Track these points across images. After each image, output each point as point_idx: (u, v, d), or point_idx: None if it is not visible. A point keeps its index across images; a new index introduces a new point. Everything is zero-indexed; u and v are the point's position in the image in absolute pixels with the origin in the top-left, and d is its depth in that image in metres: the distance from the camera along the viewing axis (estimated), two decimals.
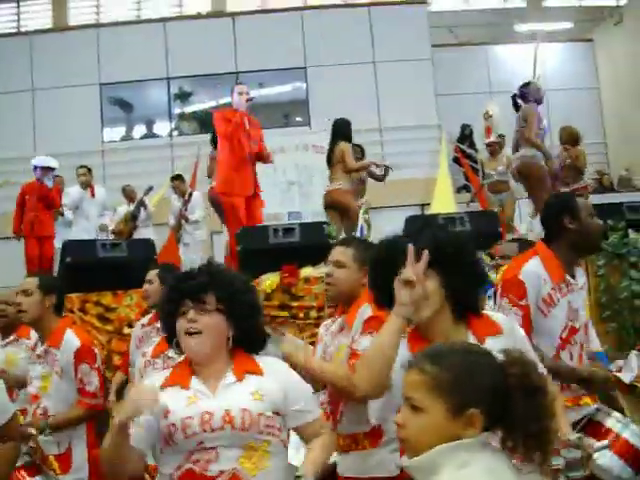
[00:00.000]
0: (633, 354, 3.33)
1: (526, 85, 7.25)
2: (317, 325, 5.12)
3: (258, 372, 2.34)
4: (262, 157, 6.72)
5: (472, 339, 2.24)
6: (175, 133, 13.00)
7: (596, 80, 14.19)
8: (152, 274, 4.35)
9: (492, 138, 9.29)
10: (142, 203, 9.39)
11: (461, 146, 12.18)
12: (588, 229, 3.14)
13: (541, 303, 3.01)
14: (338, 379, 2.78)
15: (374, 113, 12.29)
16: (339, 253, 3.17)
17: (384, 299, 2.31)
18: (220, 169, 6.71)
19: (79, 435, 3.61)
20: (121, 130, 13.19)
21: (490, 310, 2.66)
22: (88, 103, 12.24)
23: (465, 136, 12.71)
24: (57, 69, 12.05)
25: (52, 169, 8.07)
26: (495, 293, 3.19)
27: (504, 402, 1.65)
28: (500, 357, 1.76)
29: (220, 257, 7.72)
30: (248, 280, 2.56)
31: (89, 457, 3.61)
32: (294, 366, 2.68)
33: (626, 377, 2.88)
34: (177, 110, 13.26)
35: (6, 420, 2.36)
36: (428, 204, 10.28)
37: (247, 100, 6.76)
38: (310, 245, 5.67)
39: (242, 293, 2.38)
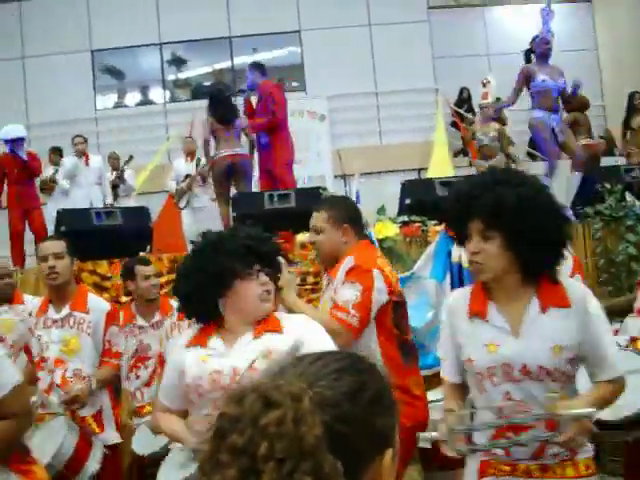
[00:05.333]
0: (628, 318, 3.37)
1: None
2: (314, 291, 5.12)
3: (278, 330, 2.31)
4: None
5: (536, 305, 2.15)
6: (169, 100, 12.84)
7: (594, 42, 13.99)
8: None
9: (488, 101, 9.15)
10: (121, 175, 9.20)
11: (458, 110, 12.05)
12: None
13: None
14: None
15: (370, 77, 12.13)
16: (314, 218, 3.17)
17: (460, 240, 2.29)
18: None
19: (105, 395, 3.72)
20: (114, 97, 13.03)
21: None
22: (80, 70, 12.05)
23: (463, 100, 12.57)
24: (47, 36, 11.84)
25: (21, 139, 7.74)
26: None
27: None
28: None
29: (216, 224, 7.64)
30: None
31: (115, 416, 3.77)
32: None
33: (621, 340, 2.90)
34: (171, 77, 13.09)
35: (4, 394, 2.17)
36: (425, 168, 10.21)
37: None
38: (306, 211, 5.60)
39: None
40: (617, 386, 2.17)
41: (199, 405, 2.28)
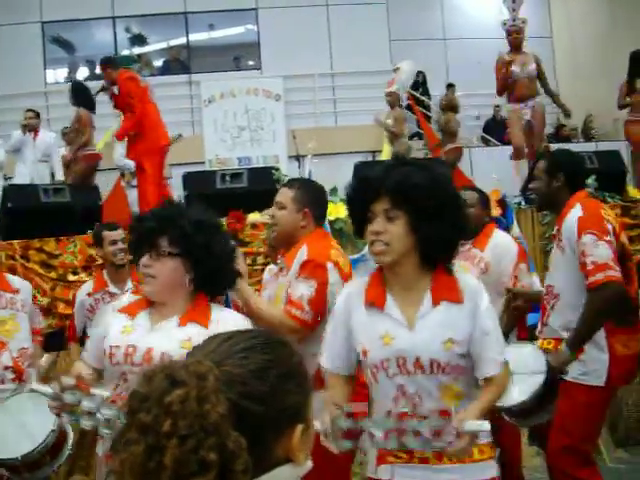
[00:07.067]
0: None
1: None
2: (264, 271, 5.11)
3: (203, 323, 2.29)
4: None
5: (429, 298, 2.15)
6: None
7: (549, 30, 14.16)
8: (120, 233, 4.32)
9: (392, 89, 9.23)
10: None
11: (414, 93, 12.10)
12: None
13: None
14: (272, 319, 2.83)
15: (326, 57, 12.07)
16: (281, 194, 3.11)
17: (358, 233, 2.25)
18: None
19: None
20: (65, 71, 12.72)
21: None
22: (30, 42, 11.69)
23: (418, 83, 12.62)
24: None
25: None
26: None
27: None
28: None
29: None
30: (210, 221, 2.41)
31: None
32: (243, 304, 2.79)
33: None
34: (124, 52, 12.82)
35: None
36: (380, 151, 10.24)
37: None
38: (258, 190, 5.61)
39: (196, 235, 2.27)
40: (501, 380, 2.19)
41: (110, 373, 2.33)
